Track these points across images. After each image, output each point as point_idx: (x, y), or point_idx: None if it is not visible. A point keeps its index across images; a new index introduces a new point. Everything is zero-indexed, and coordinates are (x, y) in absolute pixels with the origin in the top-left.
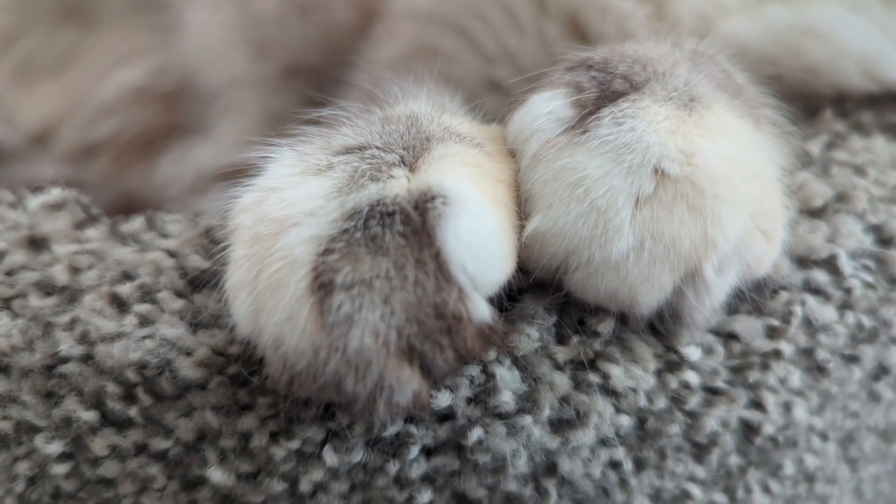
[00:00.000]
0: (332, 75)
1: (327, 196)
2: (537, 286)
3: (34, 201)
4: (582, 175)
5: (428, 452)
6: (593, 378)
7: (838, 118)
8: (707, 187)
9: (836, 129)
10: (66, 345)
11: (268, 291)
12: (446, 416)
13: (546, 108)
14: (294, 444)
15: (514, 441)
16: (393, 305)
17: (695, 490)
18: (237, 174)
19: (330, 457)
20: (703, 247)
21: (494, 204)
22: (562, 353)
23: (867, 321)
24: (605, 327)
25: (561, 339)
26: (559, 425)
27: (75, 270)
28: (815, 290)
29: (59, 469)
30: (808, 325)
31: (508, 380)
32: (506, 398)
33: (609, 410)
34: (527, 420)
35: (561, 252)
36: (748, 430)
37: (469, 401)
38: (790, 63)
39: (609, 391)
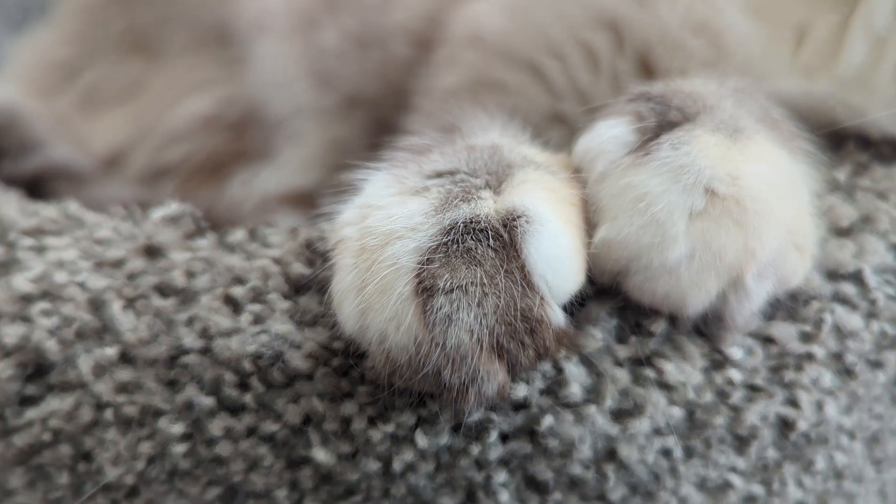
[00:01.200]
0: (391, 104)
1: (426, 213)
2: (599, 293)
3: (155, 214)
4: (644, 191)
5: (504, 438)
6: (649, 373)
7: (861, 149)
8: (749, 205)
9: (859, 159)
10: (189, 339)
11: (376, 294)
12: (522, 405)
13: (611, 132)
14: (389, 428)
15: (581, 427)
16: (485, 308)
17: (736, 480)
18: (299, 200)
19: (420, 439)
20: (745, 257)
21: (568, 224)
22: (622, 351)
23: (890, 329)
24: (658, 327)
25: (621, 339)
26: (619, 415)
27: (191, 275)
28: (844, 301)
29: (179, 448)
30: (838, 331)
31: (576, 374)
32: (574, 390)
33: (662, 402)
34: (591, 409)
35: (623, 258)
36: (784, 426)
37: (542, 392)
38: (822, 118)
39: (663, 385)
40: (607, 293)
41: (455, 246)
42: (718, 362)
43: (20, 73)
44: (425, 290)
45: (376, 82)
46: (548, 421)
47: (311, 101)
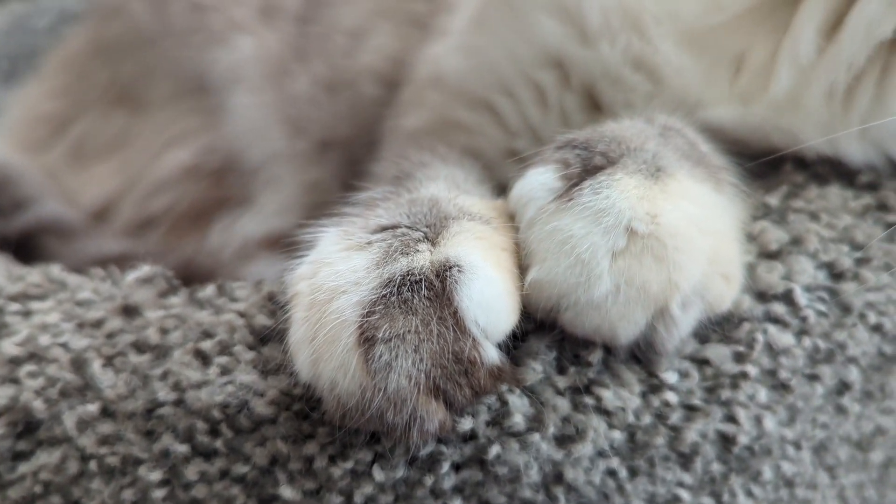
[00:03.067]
0: (364, 143)
1: (368, 268)
2: (539, 328)
3: (130, 276)
4: (569, 234)
5: (457, 467)
6: (588, 400)
7: (798, 170)
8: (669, 241)
9: (796, 180)
10: (163, 392)
11: (324, 345)
12: (470, 436)
13: (539, 179)
14: (349, 465)
15: (526, 454)
16: (422, 353)
17: (684, 494)
18: (278, 243)
19: (378, 473)
20: (668, 289)
21: (499, 269)
22: (561, 381)
23: (823, 344)
24: (595, 357)
25: (561, 370)
26: (562, 440)
27: (164, 331)
28: (775, 320)
29: (158, 493)
30: (770, 349)
31: (519, 405)
32: (517, 420)
33: (603, 427)
34: (535, 437)
35: (554, 296)
36: (725, 441)
37: (488, 423)
38: (760, 143)
39: (602, 411)
40: (546, 328)
41: (393, 297)
42: (655, 386)
43: (9, 127)
44: (367, 339)
45: (348, 124)
46: (495, 450)
47: (286, 147)
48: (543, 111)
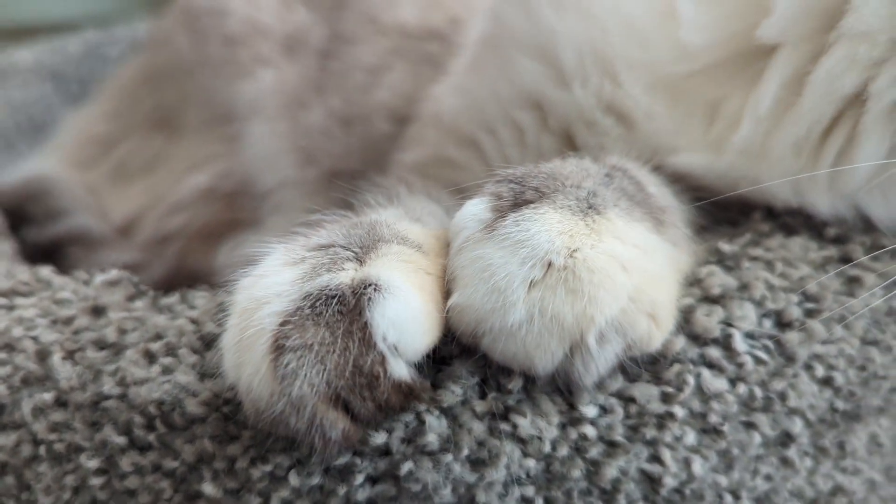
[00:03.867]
0: (368, 177)
1: (293, 282)
2: (464, 352)
3: (98, 278)
4: (489, 262)
5: (373, 480)
6: (504, 427)
7: (767, 219)
8: (584, 275)
9: (762, 229)
10: (108, 386)
11: (244, 350)
12: (386, 451)
13: (472, 210)
14: (268, 468)
15: (438, 474)
16: (326, 364)
17: None
18: None
19: (294, 479)
20: (583, 322)
21: (420, 291)
22: (480, 406)
23: (759, 392)
24: (515, 385)
25: (482, 395)
26: (476, 463)
27: (122, 332)
28: (710, 364)
29: (96, 481)
30: (701, 393)
31: (435, 425)
32: (431, 439)
33: (517, 454)
34: (448, 458)
35: (473, 321)
36: (651, 481)
37: (403, 440)
38: (729, 190)
39: (517, 438)
40: (471, 353)
41: (309, 310)
42: (575, 419)
43: (65, 144)
44: (278, 347)
45: (358, 157)
46: (407, 467)
47: (295, 175)
48: (522, 150)
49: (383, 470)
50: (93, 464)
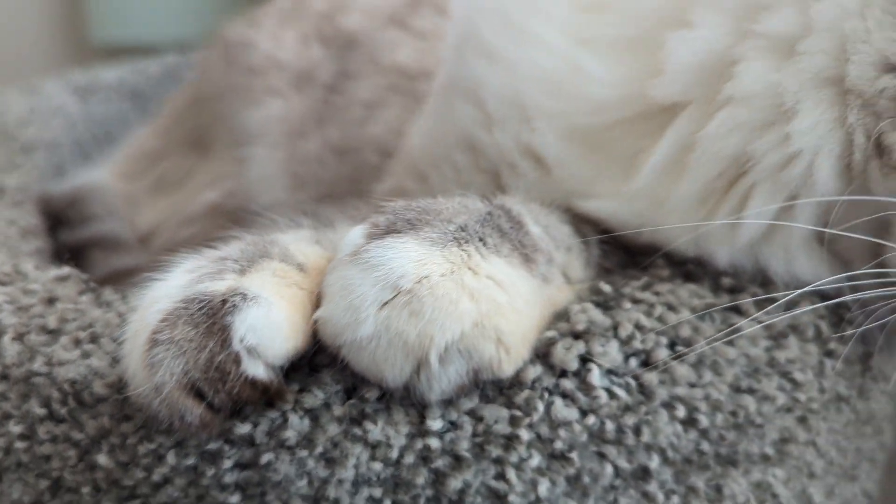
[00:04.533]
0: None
1: (181, 287)
2: (334, 361)
3: (49, 273)
4: (349, 282)
5: (241, 466)
6: (357, 431)
7: (670, 265)
8: (427, 300)
9: (661, 274)
10: (38, 364)
11: (132, 342)
12: (252, 442)
13: (351, 236)
14: (152, 446)
15: (295, 467)
16: (187, 357)
17: None
18: None
19: (171, 458)
20: (424, 342)
21: (287, 303)
22: (338, 410)
23: (610, 425)
24: (371, 395)
25: (344, 401)
26: (329, 461)
27: (64, 320)
28: (563, 394)
29: (20, 445)
30: (550, 420)
31: (296, 423)
32: (290, 435)
33: (365, 457)
34: (304, 453)
35: (332, 334)
36: (497, 497)
37: (266, 433)
38: (631, 235)
39: (367, 442)
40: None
41: (184, 311)
42: (424, 430)
43: (120, 157)
44: (153, 341)
45: (347, 185)
46: (268, 457)
47: (288, 197)
48: (460, 187)
49: (248, 458)
50: (17, 429)
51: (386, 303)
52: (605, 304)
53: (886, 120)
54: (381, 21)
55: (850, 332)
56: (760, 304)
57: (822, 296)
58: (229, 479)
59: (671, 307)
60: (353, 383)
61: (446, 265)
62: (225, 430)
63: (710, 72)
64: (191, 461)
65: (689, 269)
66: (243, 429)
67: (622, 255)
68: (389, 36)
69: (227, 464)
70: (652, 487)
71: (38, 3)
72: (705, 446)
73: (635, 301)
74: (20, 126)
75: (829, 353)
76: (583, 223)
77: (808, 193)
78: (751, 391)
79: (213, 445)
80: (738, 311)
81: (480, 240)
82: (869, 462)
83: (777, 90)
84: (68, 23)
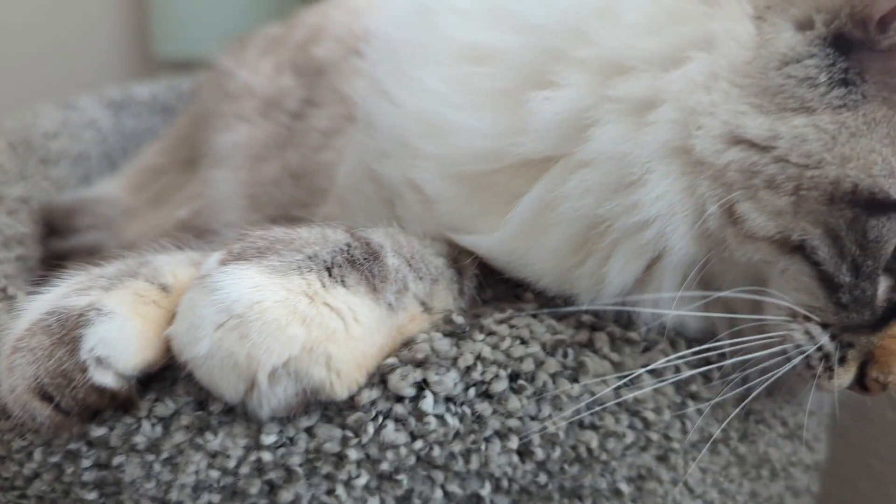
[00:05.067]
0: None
1: (51, 300)
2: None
3: None
4: (194, 304)
5: (100, 466)
6: (199, 440)
7: (539, 299)
8: (256, 324)
9: (525, 307)
10: None
11: (3, 347)
12: (107, 444)
13: (208, 261)
14: (24, 443)
15: (143, 469)
16: (39, 363)
17: None
18: None
19: (38, 455)
20: (252, 362)
21: (140, 320)
22: (186, 420)
23: (437, 451)
24: (216, 408)
25: (201, 407)
26: (173, 466)
27: None
28: (396, 419)
29: None
30: (379, 442)
31: (147, 429)
32: (140, 440)
33: (204, 464)
34: (151, 457)
35: (178, 350)
36: None
37: (120, 437)
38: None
39: (207, 451)
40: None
41: (44, 322)
42: (259, 444)
43: (131, 170)
44: (14, 348)
45: (299, 206)
46: (119, 459)
47: (242, 217)
48: (366, 214)
49: (104, 459)
50: None
51: (221, 325)
52: (455, 335)
53: (737, 191)
54: (347, 50)
55: (721, 378)
56: (616, 344)
57: (692, 339)
58: (88, 477)
59: (523, 341)
60: (207, 396)
61: (282, 292)
62: (84, 433)
63: (570, 131)
64: (55, 459)
65: (558, 303)
66: (99, 432)
67: (505, 288)
68: (352, 65)
69: (86, 463)
70: None
71: (106, 19)
72: (543, 478)
73: (489, 333)
74: (46, 138)
75: (693, 396)
76: (464, 256)
77: (669, 256)
78: (593, 427)
79: (73, 445)
80: (590, 346)
81: (327, 269)
82: None
83: (627, 159)
84: (134, 38)
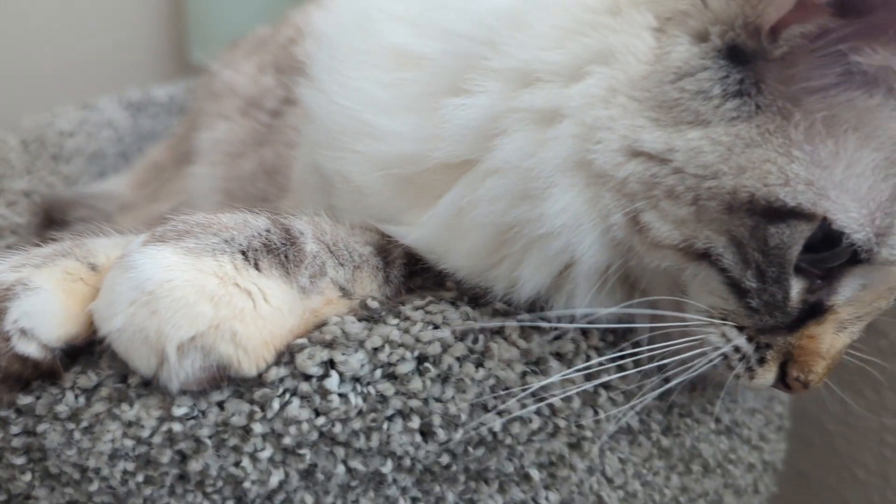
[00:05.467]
0: None
1: None
2: None
3: None
4: (112, 281)
5: (28, 433)
6: (115, 410)
7: (457, 288)
8: (164, 301)
9: (445, 295)
10: None
11: None
12: (33, 412)
13: (134, 242)
14: None
15: (64, 437)
16: None
17: None
18: None
19: None
20: (162, 337)
21: (65, 295)
22: (105, 391)
23: (339, 428)
24: (134, 380)
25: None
26: (92, 435)
27: None
28: (302, 396)
29: None
30: (284, 417)
31: (70, 400)
32: (62, 409)
33: (119, 433)
34: (72, 426)
35: (99, 323)
36: (235, 483)
37: (45, 406)
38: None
39: (123, 421)
40: None
41: None
42: (171, 415)
43: (138, 167)
44: None
45: (271, 202)
46: (44, 427)
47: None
48: (315, 206)
49: (31, 427)
50: None
51: (134, 301)
52: (369, 318)
53: (640, 202)
54: None
55: (635, 368)
56: (525, 331)
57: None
58: (17, 443)
59: (435, 326)
60: (128, 370)
61: (193, 272)
62: (13, 401)
63: (480, 139)
64: None
65: (478, 292)
66: (26, 400)
67: (434, 277)
68: None
69: (15, 430)
70: (392, 492)
71: (143, 25)
72: (446, 459)
73: (404, 318)
74: (62, 137)
75: (606, 386)
76: (393, 246)
77: (580, 264)
78: (497, 411)
79: (3, 413)
80: (501, 335)
81: (242, 252)
82: None
83: (532, 172)
84: (170, 43)
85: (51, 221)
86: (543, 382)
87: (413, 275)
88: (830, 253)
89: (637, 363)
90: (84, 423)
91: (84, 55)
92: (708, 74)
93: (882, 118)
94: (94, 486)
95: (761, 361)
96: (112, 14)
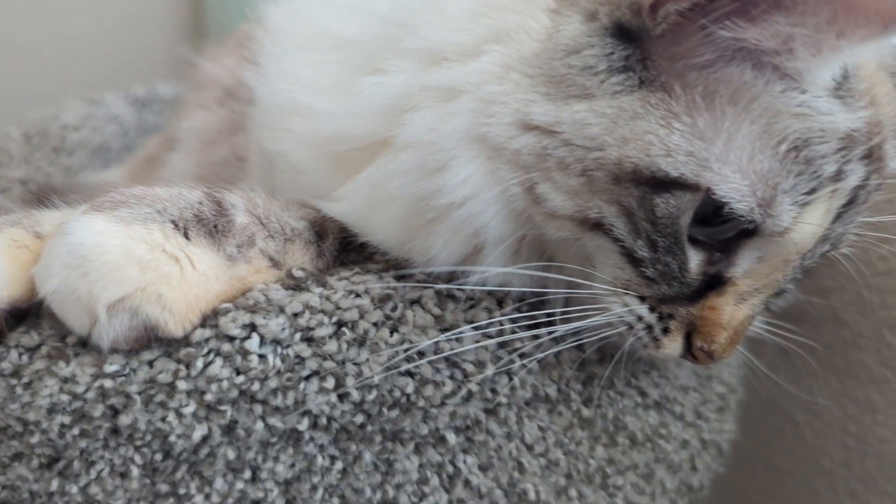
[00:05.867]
0: None
1: None
2: None
3: None
4: (51, 247)
5: None
6: (53, 368)
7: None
8: (94, 264)
9: (371, 267)
10: None
11: None
12: None
13: (75, 213)
14: None
15: (7, 392)
16: None
17: (134, 471)
18: None
19: None
20: (93, 298)
21: (9, 259)
22: (45, 350)
23: (256, 386)
24: (71, 339)
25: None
26: (29, 390)
27: None
28: (224, 356)
29: None
30: (206, 375)
31: (14, 357)
32: (6, 365)
33: (56, 388)
34: (14, 382)
35: (37, 286)
36: (162, 437)
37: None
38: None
39: (60, 377)
40: None
41: None
42: (103, 372)
43: (134, 159)
44: None
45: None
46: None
47: None
48: (263, 186)
49: None
50: None
51: (67, 265)
52: (293, 287)
53: (534, 173)
54: None
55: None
56: (441, 300)
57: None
58: None
59: (357, 295)
60: (68, 331)
61: (123, 238)
62: None
63: (392, 116)
64: None
65: (402, 264)
66: None
67: (368, 252)
68: None
69: None
70: (309, 449)
71: (163, 23)
72: (361, 419)
73: (326, 286)
74: (65, 130)
75: (522, 354)
76: (328, 221)
77: (486, 233)
78: (410, 374)
79: None
80: (418, 303)
81: (172, 222)
82: (644, 479)
83: (435, 145)
84: (190, 42)
85: (42, 206)
86: (458, 350)
87: (348, 250)
88: (721, 225)
89: (551, 333)
90: (25, 379)
91: (103, 54)
92: (594, 51)
93: (756, 92)
94: (35, 439)
95: (665, 331)
96: (131, 12)
